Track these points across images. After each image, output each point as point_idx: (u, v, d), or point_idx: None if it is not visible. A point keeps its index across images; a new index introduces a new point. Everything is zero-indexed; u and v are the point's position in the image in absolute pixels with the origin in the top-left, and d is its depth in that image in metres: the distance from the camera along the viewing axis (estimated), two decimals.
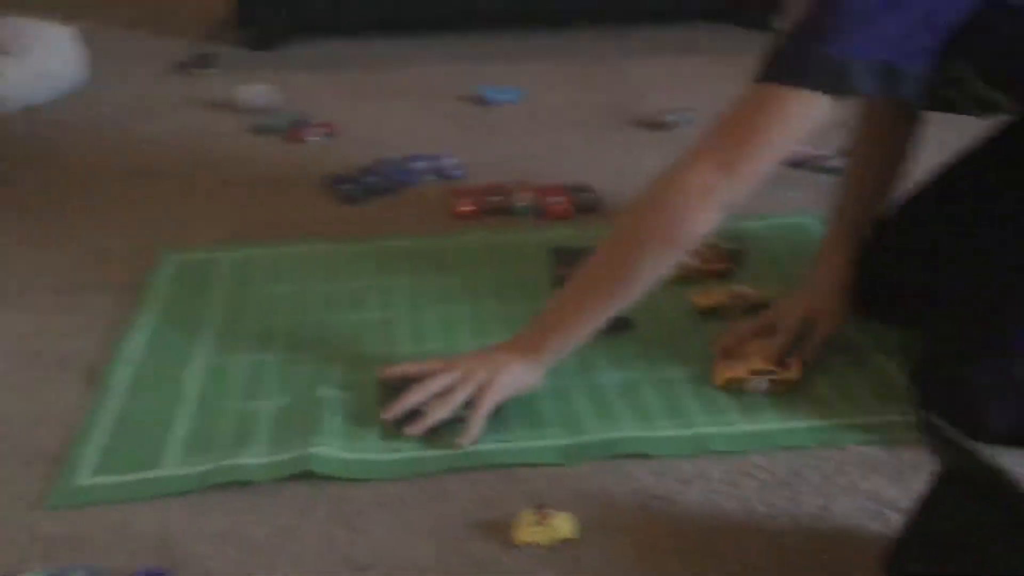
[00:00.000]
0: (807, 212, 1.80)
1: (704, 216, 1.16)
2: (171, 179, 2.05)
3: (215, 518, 1.09)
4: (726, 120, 1.18)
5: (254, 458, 1.17)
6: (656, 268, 1.20)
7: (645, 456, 1.18)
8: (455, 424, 1.20)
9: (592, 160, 2.12)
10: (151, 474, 1.16)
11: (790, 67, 1.13)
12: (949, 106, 1.28)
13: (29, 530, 1.08)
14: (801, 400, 1.27)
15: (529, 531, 1.04)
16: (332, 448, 1.18)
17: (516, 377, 1.22)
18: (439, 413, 1.20)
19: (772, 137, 1.15)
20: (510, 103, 2.48)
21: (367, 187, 1.95)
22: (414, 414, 1.21)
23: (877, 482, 1.14)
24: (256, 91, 2.43)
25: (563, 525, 1.05)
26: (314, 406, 1.26)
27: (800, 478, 1.15)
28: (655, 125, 2.30)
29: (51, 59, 2.52)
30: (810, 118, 1.14)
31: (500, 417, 1.23)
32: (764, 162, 1.15)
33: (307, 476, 1.15)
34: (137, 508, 1.11)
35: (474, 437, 1.19)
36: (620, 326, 1.41)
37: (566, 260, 1.59)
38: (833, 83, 1.11)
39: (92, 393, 1.31)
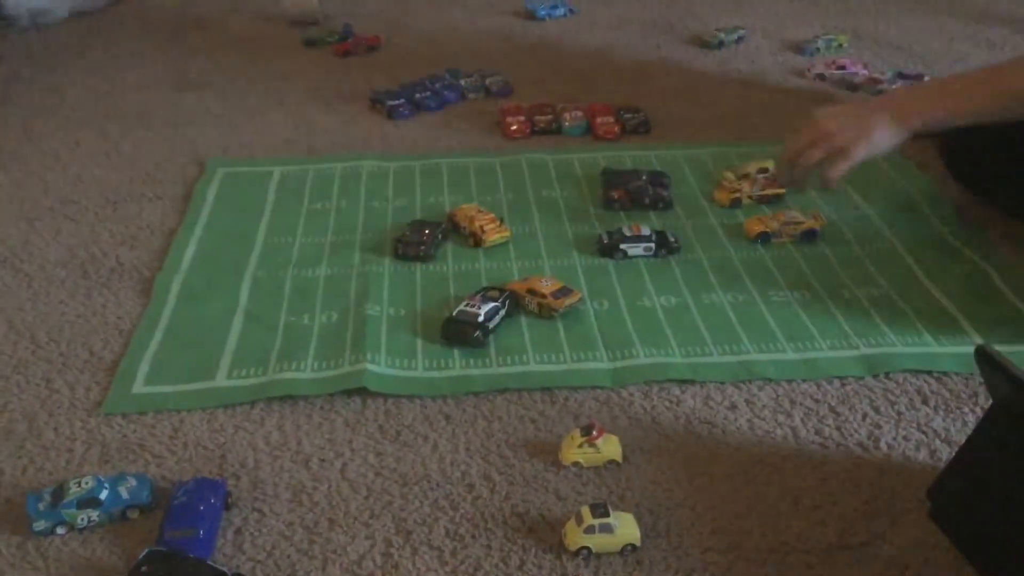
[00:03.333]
0: None
1: None
2: (220, 90, 2.05)
3: (267, 430, 1.11)
4: None
5: (306, 372, 1.18)
6: None
7: (693, 381, 1.18)
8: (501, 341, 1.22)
9: (642, 80, 2.09)
10: (205, 384, 1.17)
11: None
12: None
13: (85, 436, 1.10)
14: (851, 329, 1.26)
15: (576, 452, 1.05)
16: (382, 365, 1.19)
17: (883, 138, 1.27)
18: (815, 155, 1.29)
19: None
20: (560, 19, 2.45)
21: (414, 104, 1.93)
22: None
23: (925, 412, 1.14)
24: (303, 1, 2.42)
25: (610, 447, 1.06)
26: (362, 323, 1.27)
27: (848, 407, 1.14)
28: (705, 44, 2.26)
29: None
30: None
31: (549, 338, 1.24)
32: None
33: (357, 391, 1.16)
34: (190, 417, 1.13)
35: (836, 177, 1.28)
36: (670, 249, 1.41)
37: (616, 183, 1.58)
38: None
39: (144, 302, 1.33)
